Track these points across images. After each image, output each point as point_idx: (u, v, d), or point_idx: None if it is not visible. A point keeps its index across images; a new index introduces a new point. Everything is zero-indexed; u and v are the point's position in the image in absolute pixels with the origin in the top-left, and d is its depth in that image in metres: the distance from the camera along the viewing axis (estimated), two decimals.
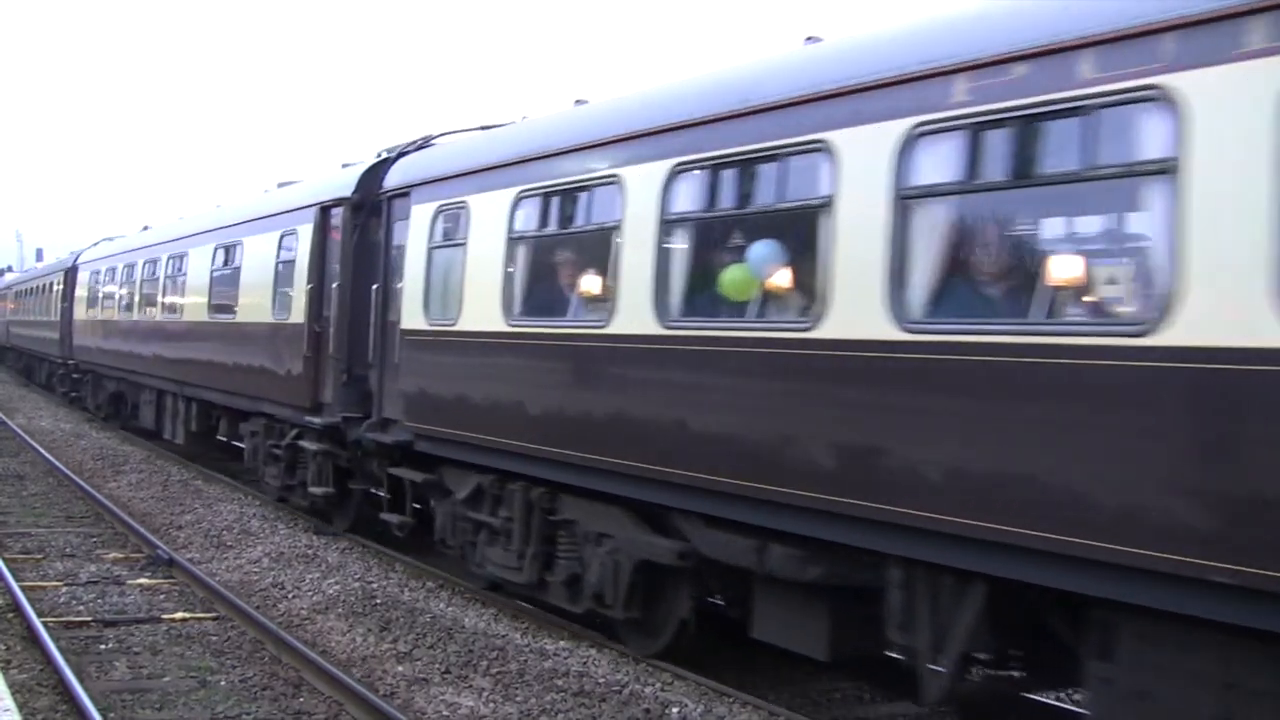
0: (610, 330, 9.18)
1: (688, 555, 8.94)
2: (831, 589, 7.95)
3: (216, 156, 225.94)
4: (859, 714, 9.03)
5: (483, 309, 10.81)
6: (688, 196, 8.66)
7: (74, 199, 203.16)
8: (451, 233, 11.63)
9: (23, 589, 11.30)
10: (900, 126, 6.97)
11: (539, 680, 9.07)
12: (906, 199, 6.93)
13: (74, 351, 30.54)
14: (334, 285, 14.09)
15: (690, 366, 8.50)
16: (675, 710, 8.42)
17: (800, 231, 7.86)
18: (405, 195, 12.59)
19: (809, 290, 7.66)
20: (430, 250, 11.87)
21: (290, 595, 11.81)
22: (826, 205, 7.42)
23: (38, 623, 10.07)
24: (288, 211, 15.89)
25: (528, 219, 10.46)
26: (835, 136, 7.41)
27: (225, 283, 18.56)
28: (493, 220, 10.77)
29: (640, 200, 8.97)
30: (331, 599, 11.59)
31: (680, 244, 8.72)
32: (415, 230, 12.19)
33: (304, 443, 15.10)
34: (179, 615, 10.91)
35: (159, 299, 22.38)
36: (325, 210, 14.70)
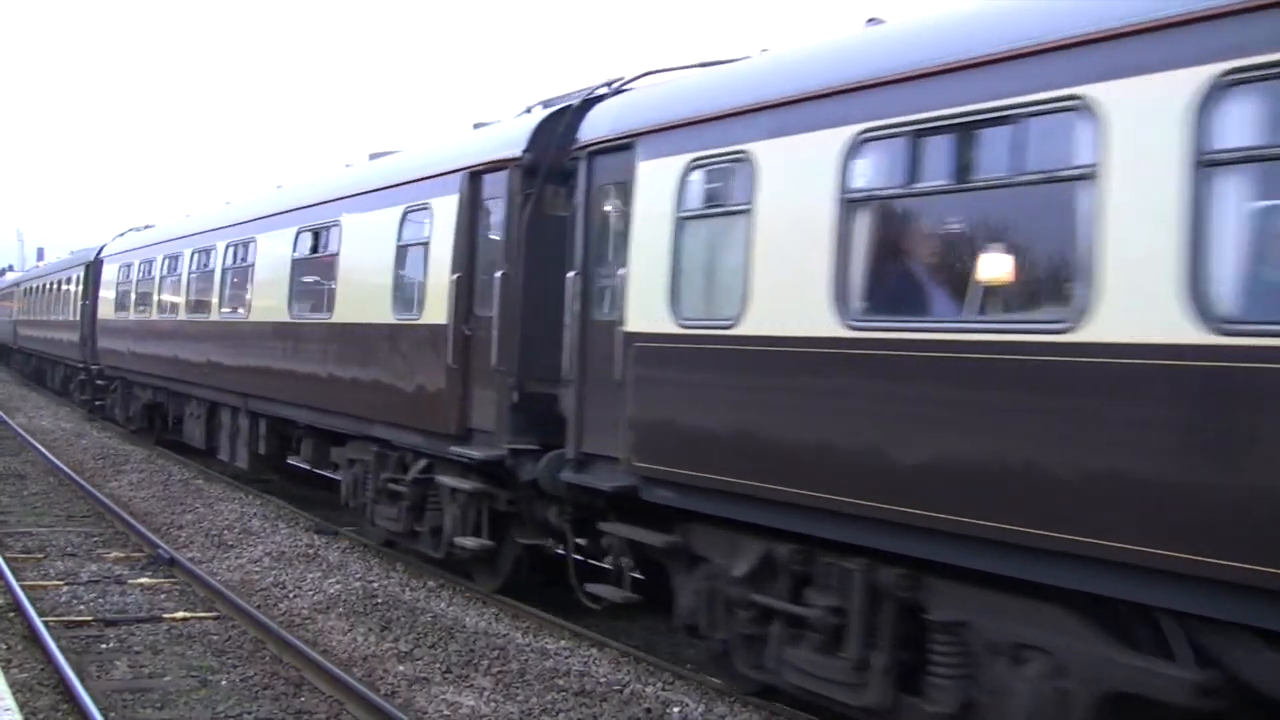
0: (1083, 336, 5.78)
1: (1218, 690, 5.59)
2: None
3: (219, 155, 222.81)
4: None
5: (791, 303, 7.43)
6: (1260, 122, 5.29)
7: (74, 198, 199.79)
8: (721, 195, 8.24)
9: (23, 588, 11.16)
10: None
11: (540, 679, 8.95)
12: None
13: (98, 355, 26.95)
14: (496, 275, 10.65)
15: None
16: (676, 710, 8.30)
17: None
18: (624, 148, 9.15)
19: None
20: (678, 221, 8.46)
21: (291, 594, 11.63)
22: None
23: (38, 622, 9.93)
24: (415, 182, 12.39)
25: (877, 170, 7.07)
26: None
27: (313, 274, 15.09)
28: (807, 174, 7.38)
29: (1140, 132, 5.60)
30: (332, 598, 11.45)
31: (1241, 198, 5.35)
32: (648, 195, 8.78)
33: (444, 479, 11.66)
34: (180, 615, 10.75)
35: (214, 295, 18.81)
36: (476, 177, 11.27)
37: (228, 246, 18.35)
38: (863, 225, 7.09)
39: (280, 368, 15.67)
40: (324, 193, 15.07)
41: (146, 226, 27.32)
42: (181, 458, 21.59)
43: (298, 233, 15.46)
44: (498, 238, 10.89)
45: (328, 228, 14.60)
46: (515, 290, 10.48)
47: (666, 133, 8.69)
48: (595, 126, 9.71)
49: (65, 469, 19.59)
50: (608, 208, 9.52)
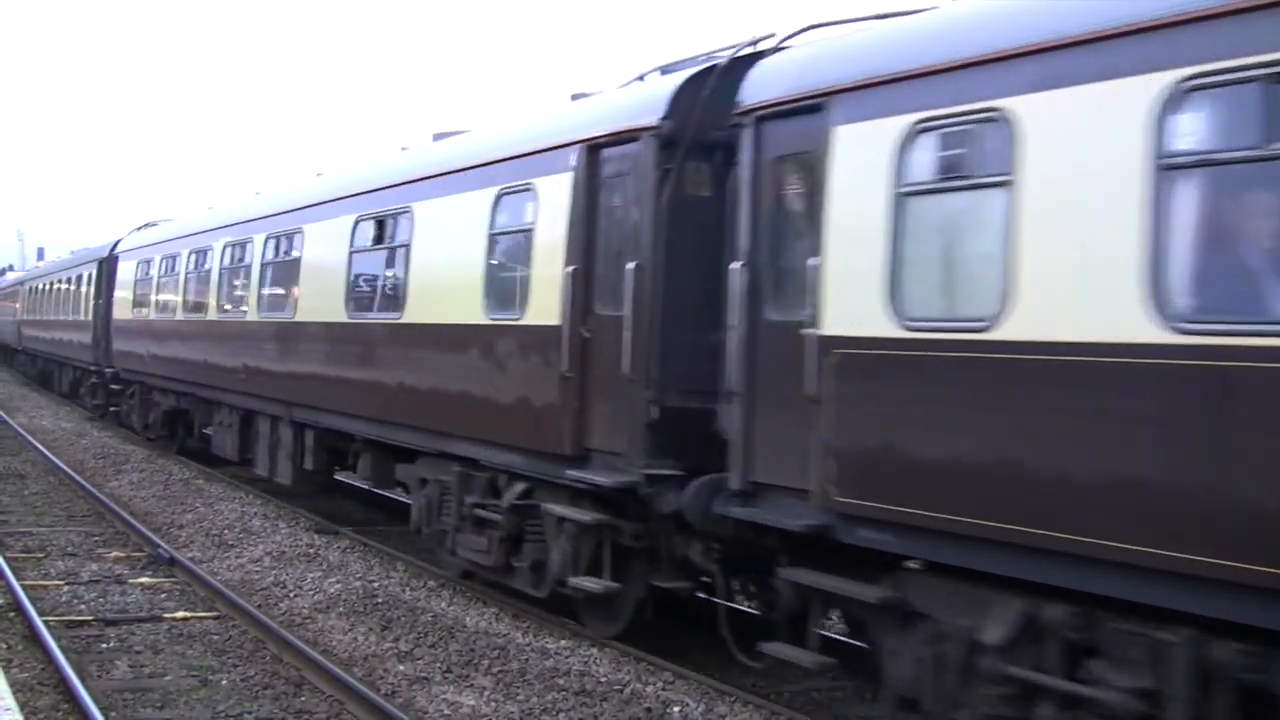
0: None
1: None
2: None
3: (222, 152, 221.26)
4: (860, 713, 8.39)
5: (1077, 300, 5.80)
6: None
7: (75, 197, 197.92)
8: (963, 164, 6.58)
9: (24, 588, 11.10)
10: None
11: (540, 679, 8.88)
12: None
13: (113, 358, 25.22)
14: (628, 267, 8.98)
15: None
16: (676, 709, 8.24)
17: None
18: (810, 111, 7.49)
19: None
20: (898, 198, 6.80)
21: (291, 594, 11.56)
22: None
23: (39, 622, 9.89)
24: (512, 159, 10.73)
25: (1212, 127, 5.45)
26: None
27: (378, 269, 13.43)
28: (1099, 134, 5.75)
29: None
30: (333, 598, 11.38)
31: None
32: (850, 166, 7.13)
33: (551, 507, 9.98)
34: (180, 614, 10.70)
35: (251, 293, 17.13)
36: (595, 151, 9.62)
37: (268, 239, 16.66)
38: (1190, 198, 5.47)
39: (334, 374, 14.02)
40: (389, 176, 13.40)
41: (149, 225, 25.67)
42: (182, 458, 20.68)
43: (356, 222, 13.79)
44: (625, 222, 9.24)
45: (395, 215, 12.93)
46: (653, 285, 8.84)
47: (877, 89, 7.04)
48: (764, 86, 8.05)
49: (66, 469, 19.35)
50: (785, 183, 7.88)
